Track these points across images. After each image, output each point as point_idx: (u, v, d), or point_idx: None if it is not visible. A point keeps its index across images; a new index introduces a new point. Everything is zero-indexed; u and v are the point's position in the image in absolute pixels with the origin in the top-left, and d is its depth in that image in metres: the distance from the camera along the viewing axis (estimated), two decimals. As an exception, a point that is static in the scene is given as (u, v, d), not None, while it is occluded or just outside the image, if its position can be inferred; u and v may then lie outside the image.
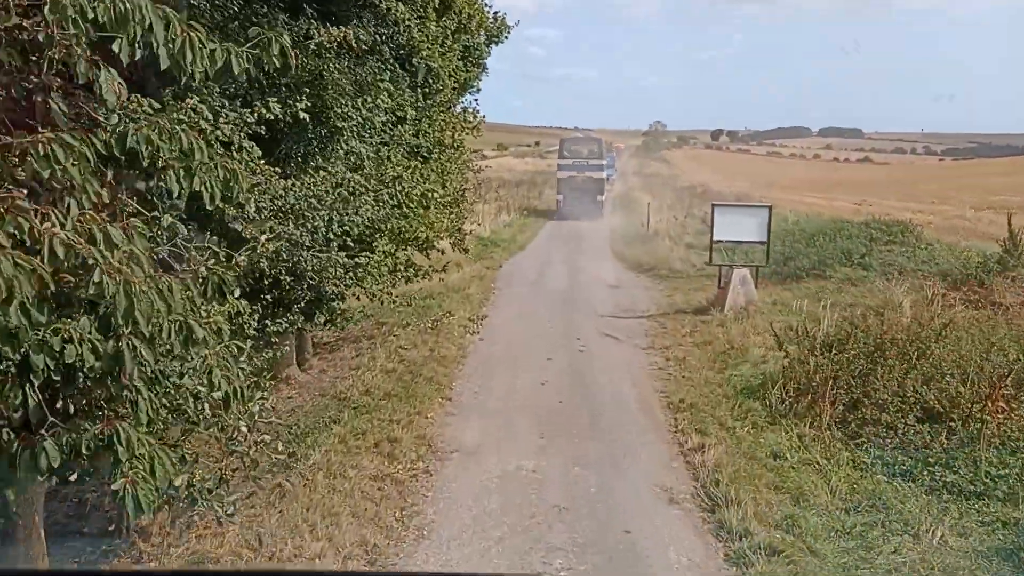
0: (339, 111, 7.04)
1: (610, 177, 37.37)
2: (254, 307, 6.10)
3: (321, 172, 7.07)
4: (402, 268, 10.96)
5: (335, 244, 7.34)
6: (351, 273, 7.83)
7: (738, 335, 12.50)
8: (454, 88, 11.68)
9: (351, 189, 6.96)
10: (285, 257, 6.50)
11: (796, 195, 39.69)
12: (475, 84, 13.03)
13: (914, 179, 66.96)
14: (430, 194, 10.37)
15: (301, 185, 6.47)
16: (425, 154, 11.03)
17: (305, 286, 7.33)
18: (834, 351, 8.98)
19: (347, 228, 7.25)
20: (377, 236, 9.41)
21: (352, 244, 7.96)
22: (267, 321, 7.41)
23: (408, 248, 11.62)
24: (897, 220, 20.17)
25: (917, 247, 17.85)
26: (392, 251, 10.55)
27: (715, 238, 14.78)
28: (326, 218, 6.69)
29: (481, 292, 16.74)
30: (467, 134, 13.43)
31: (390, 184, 7.73)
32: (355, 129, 7.35)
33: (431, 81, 9.66)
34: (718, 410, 9.20)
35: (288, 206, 6.32)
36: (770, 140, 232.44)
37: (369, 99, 7.33)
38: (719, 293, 14.67)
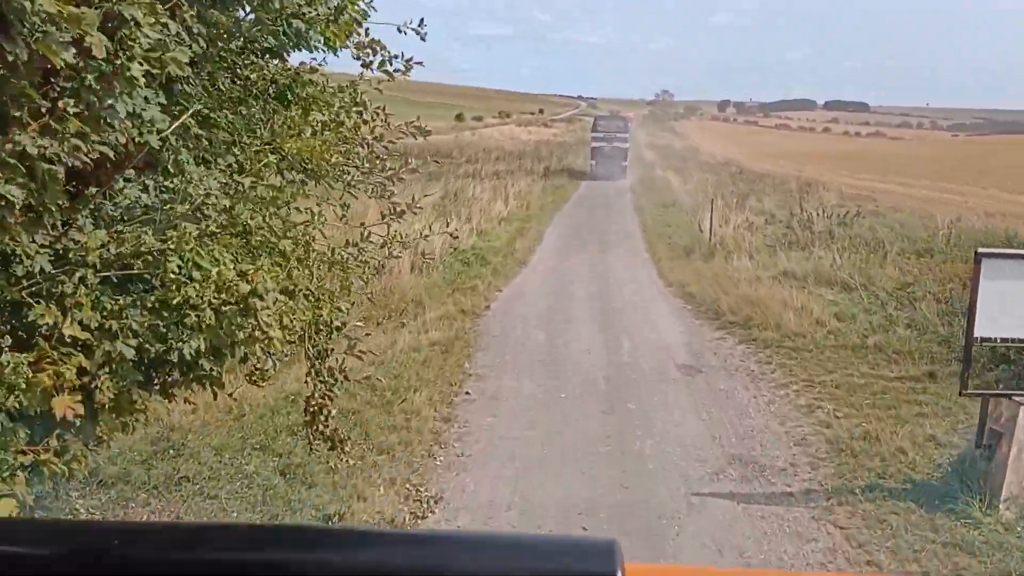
0: None
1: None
2: None
3: None
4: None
5: None
6: None
7: None
8: None
9: None
10: None
11: (866, 178, 31.01)
12: None
13: (954, 157, 58.08)
14: None
15: None
16: None
17: None
18: None
19: None
20: None
21: None
22: None
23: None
24: None
25: None
26: None
27: (979, 332, 6.10)
28: None
29: (441, 396, 8.25)
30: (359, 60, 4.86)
31: None
32: None
33: None
34: None
35: None
36: (776, 112, 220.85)
37: None
38: (981, 454, 6.19)
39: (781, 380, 8.98)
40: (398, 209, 4.33)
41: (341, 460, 4.40)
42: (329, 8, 3.84)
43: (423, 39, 4.64)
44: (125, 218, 3.38)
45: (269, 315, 3.55)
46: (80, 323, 2.96)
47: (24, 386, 2.78)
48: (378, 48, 4.54)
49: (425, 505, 5.93)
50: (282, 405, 7.61)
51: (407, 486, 6.19)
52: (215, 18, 3.52)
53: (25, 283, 2.92)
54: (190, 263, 3.18)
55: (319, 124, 4.30)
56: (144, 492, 6.15)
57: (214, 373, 3.91)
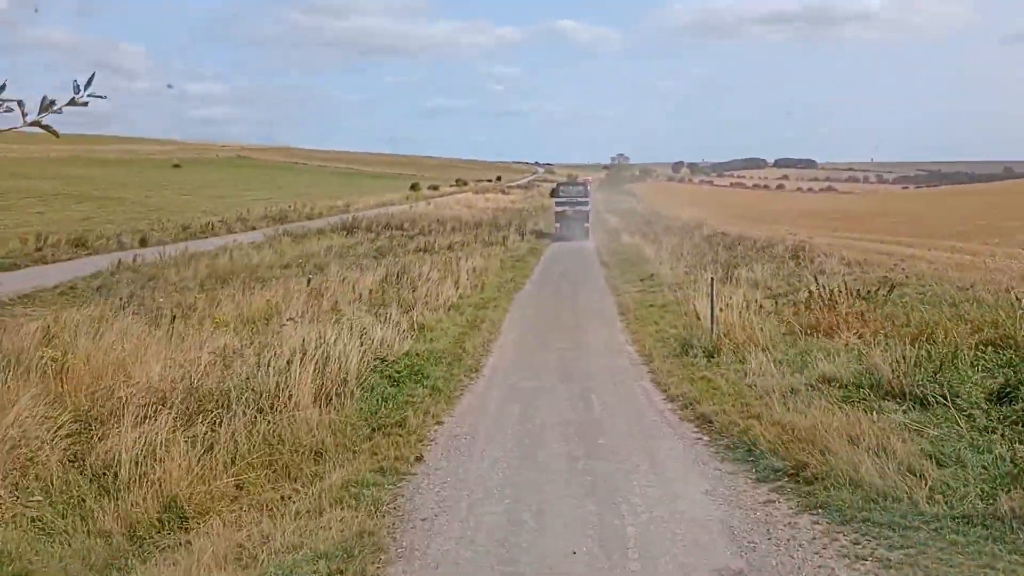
0: None
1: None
2: None
3: None
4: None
5: None
6: None
7: None
8: None
9: None
10: None
11: (856, 238, 28.12)
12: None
13: (929, 212, 56.35)
14: None
15: None
16: None
17: None
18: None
19: None
20: None
21: None
22: None
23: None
24: None
25: None
26: None
27: None
28: None
29: None
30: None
31: None
32: None
33: None
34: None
35: None
36: (729, 171, 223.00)
37: None
38: None
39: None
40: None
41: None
42: None
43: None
44: None
45: None
46: None
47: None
48: None
49: None
50: None
51: None
52: None
53: None
54: None
55: None
56: None
57: None
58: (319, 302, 17.22)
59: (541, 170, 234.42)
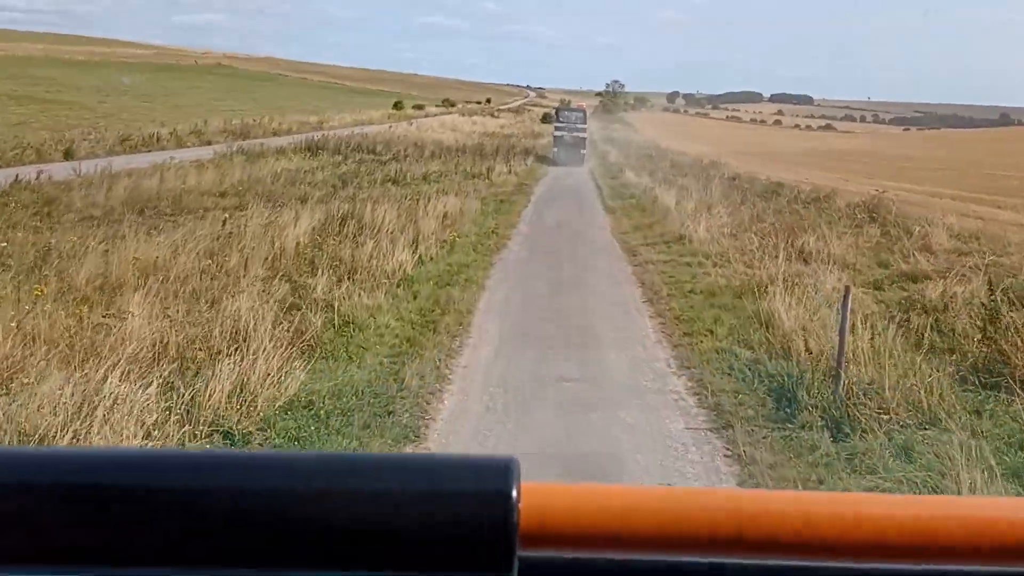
0: None
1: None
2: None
3: None
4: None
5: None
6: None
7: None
8: None
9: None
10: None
11: (917, 191, 22.66)
12: None
13: (975, 159, 50.92)
14: None
15: None
16: None
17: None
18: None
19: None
20: None
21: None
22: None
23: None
24: None
25: None
26: None
27: None
28: None
29: None
30: None
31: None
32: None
33: None
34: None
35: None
36: (724, 104, 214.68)
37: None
38: None
39: None
40: None
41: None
42: None
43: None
44: None
45: None
46: None
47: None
48: None
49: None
50: None
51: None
52: None
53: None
54: None
55: None
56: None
57: None
58: (222, 259, 11.84)
59: (532, 94, 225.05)
